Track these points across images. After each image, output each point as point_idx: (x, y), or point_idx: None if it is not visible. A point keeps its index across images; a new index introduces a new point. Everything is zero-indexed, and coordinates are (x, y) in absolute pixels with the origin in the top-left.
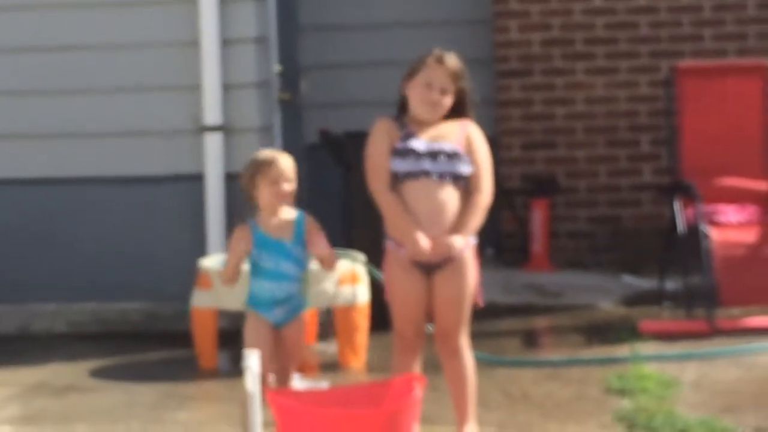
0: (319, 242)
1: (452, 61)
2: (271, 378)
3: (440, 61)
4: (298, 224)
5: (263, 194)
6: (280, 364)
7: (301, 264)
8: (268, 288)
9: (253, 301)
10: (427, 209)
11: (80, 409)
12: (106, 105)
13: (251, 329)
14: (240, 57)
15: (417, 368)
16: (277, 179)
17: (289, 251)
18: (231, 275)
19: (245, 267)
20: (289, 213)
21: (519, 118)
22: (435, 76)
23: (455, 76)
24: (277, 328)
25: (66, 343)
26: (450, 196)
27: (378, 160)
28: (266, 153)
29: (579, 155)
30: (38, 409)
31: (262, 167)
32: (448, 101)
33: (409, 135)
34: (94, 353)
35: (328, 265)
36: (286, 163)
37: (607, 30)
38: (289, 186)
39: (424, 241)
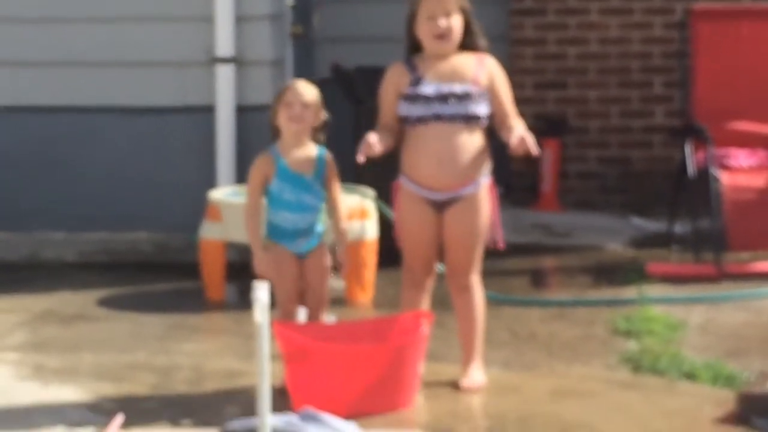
0: (334, 188)
1: None
2: (302, 314)
3: None
4: (319, 161)
5: (282, 120)
6: (309, 298)
7: (320, 196)
8: (290, 219)
9: (274, 232)
10: (440, 152)
11: (87, 338)
12: (118, 34)
13: (275, 262)
14: None
15: (425, 305)
16: (292, 102)
17: (310, 185)
18: (255, 210)
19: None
20: (311, 149)
21: (532, 57)
22: (433, 6)
23: None
24: (300, 258)
25: (74, 272)
26: (463, 138)
27: (380, 106)
28: (290, 81)
29: (591, 96)
30: (45, 337)
31: (281, 92)
32: (456, 23)
33: (418, 79)
34: (102, 283)
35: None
36: (304, 88)
37: None
38: (305, 110)
39: (372, 137)
